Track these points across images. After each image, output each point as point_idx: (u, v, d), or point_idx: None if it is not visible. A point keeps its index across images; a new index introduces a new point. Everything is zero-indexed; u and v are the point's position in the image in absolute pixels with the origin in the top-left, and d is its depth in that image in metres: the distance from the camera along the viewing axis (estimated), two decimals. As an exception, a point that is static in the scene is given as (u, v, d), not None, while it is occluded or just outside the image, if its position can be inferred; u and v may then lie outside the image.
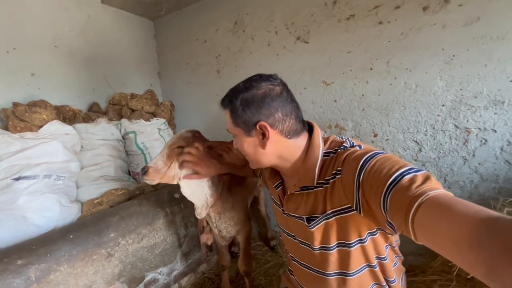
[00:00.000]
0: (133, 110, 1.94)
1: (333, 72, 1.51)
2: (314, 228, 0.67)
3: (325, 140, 0.70)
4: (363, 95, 1.44)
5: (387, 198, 0.48)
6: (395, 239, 0.71)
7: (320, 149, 0.67)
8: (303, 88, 1.62)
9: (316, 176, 0.66)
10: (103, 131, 1.62)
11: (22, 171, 1.20)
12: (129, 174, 1.79)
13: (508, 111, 1.13)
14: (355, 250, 0.65)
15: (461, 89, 1.20)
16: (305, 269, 0.78)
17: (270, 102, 0.64)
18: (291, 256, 0.85)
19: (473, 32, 1.15)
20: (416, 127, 1.33)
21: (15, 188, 1.16)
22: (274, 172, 0.81)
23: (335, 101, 1.53)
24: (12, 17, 1.45)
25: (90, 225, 1.14)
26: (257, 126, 0.64)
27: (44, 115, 1.37)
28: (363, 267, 0.68)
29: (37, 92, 1.54)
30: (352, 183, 0.56)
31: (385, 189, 0.48)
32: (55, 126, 1.36)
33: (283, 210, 0.78)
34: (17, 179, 1.18)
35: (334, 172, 0.62)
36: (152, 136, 1.85)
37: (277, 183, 0.80)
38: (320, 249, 0.69)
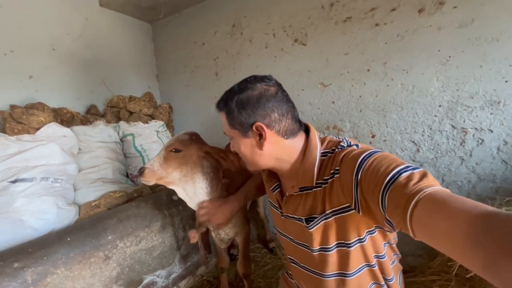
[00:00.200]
0: (131, 113, 1.94)
1: (330, 74, 1.52)
2: (313, 229, 0.67)
3: (322, 140, 0.70)
4: (360, 97, 1.45)
5: (385, 196, 0.48)
6: (393, 236, 0.72)
7: (317, 149, 0.67)
8: (301, 90, 1.63)
9: (315, 176, 0.66)
10: (101, 133, 1.61)
11: (19, 174, 1.19)
12: (127, 176, 1.78)
13: (504, 111, 1.14)
14: (355, 250, 0.65)
15: (457, 90, 1.22)
16: (304, 270, 0.77)
17: (266, 103, 0.63)
18: (290, 258, 0.84)
19: (468, 33, 1.16)
20: (414, 128, 1.34)
21: (12, 191, 1.16)
22: (271, 174, 0.80)
23: (333, 102, 1.54)
24: (10, 19, 1.45)
25: (87, 228, 1.13)
26: (254, 127, 0.64)
27: (42, 117, 1.36)
28: (362, 267, 0.68)
29: (34, 94, 1.54)
30: (350, 182, 0.56)
31: (383, 187, 0.49)
32: (53, 129, 1.35)
33: (281, 212, 0.78)
34: (14, 181, 1.17)
35: (332, 171, 0.62)
36: (150, 138, 1.84)
37: (274, 185, 0.79)
38: (319, 250, 0.69)
